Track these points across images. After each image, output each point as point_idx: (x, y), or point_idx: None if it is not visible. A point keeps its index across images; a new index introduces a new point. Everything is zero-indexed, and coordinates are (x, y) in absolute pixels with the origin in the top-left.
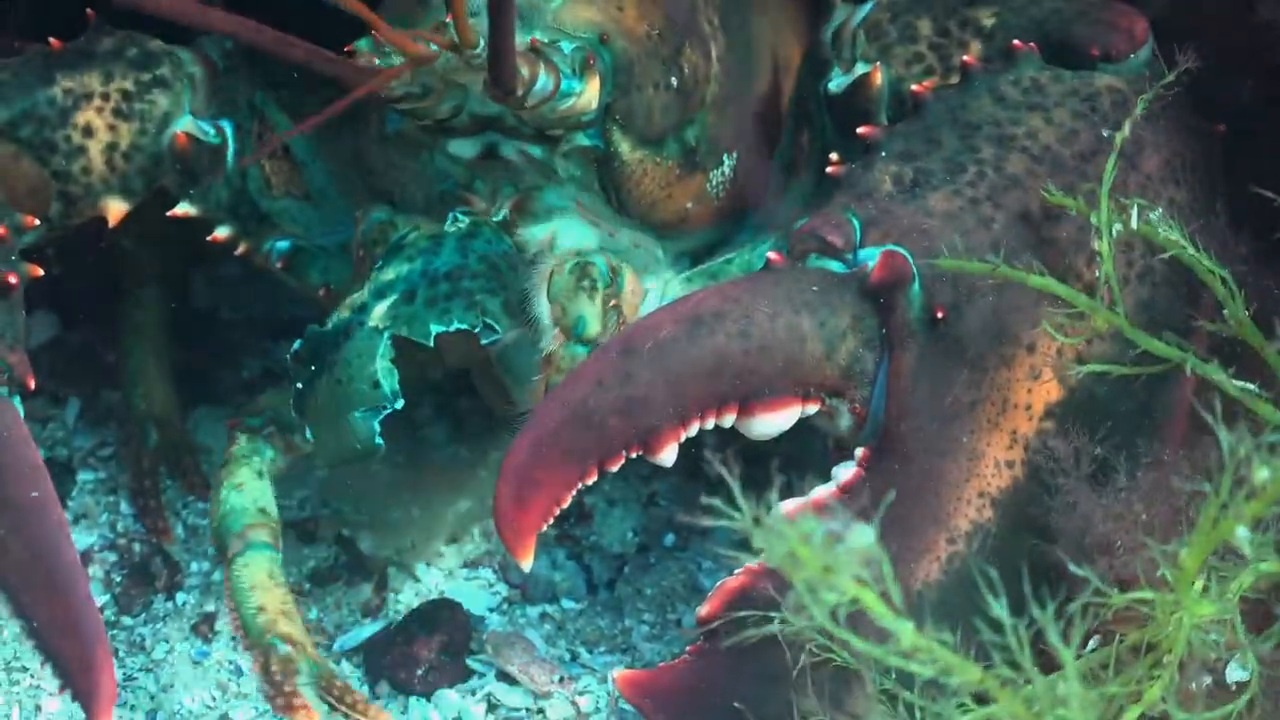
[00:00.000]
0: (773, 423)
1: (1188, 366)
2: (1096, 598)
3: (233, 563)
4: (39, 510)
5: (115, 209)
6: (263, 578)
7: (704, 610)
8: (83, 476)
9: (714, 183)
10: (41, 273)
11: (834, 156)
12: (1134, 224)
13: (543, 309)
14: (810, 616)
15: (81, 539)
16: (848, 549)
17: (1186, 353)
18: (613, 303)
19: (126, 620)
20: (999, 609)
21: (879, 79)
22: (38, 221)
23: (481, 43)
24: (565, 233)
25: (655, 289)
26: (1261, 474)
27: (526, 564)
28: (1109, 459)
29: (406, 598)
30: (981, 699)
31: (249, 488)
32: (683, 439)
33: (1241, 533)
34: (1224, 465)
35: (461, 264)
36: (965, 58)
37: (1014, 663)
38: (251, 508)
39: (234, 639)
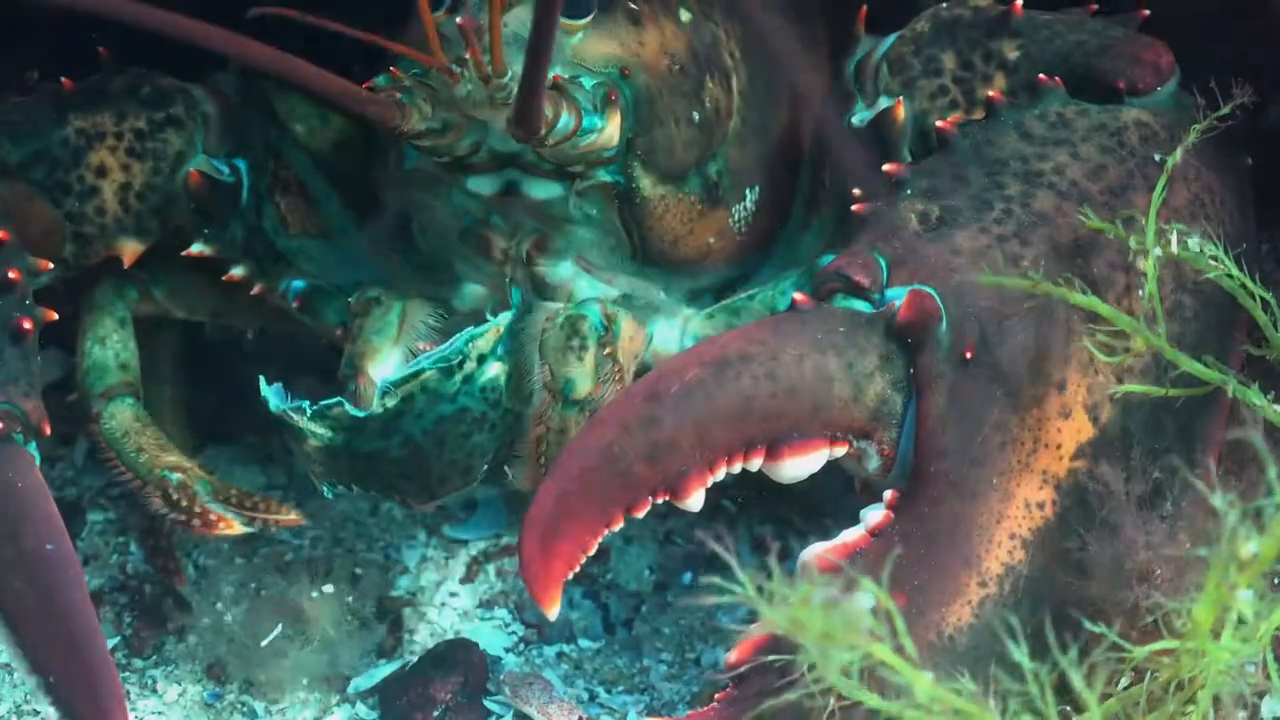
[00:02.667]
0: (801, 466)
1: (1229, 389)
2: (1115, 652)
3: (99, 418)
4: (55, 564)
5: (130, 249)
6: (131, 423)
7: (731, 657)
8: (92, 517)
9: (736, 218)
10: (56, 316)
11: (858, 192)
12: (1174, 248)
13: (534, 366)
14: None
15: (92, 580)
16: (844, 615)
17: (1227, 377)
18: (608, 351)
19: (138, 662)
20: (1019, 654)
21: (902, 113)
22: (52, 264)
23: (509, 74)
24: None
25: (675, 327)
26: (1248, 547)
27: (553, 613)
28: (1149, 491)
29: (422, 638)
30: None
31: (111, 341)
32: (710, 483)
33: (1244, 595)
34: (1220, 534)
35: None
36: (990, 92)
37: (1036, 711)
38: (113, 365)
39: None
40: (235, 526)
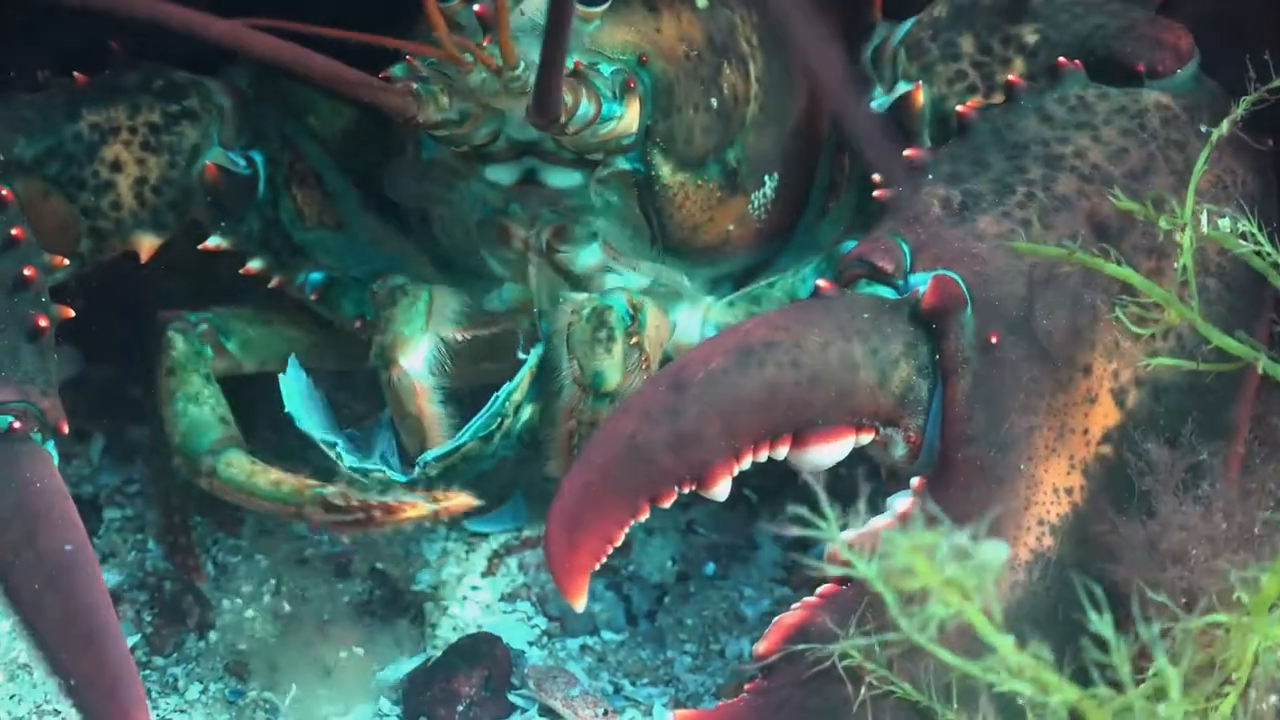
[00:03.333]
0: (827, 453)
1: (1260, 365)
2: (1171, 621)
3: (216, 474)
4: (74, 565)
5: (146, 244)
6: (250, 466)
7: (761, 647)
8: (109, 514)
9: (755, 204)
10: (72, 314)
11: (878, 178)
12: (1205, 228)
13: (561, 360)
14: (874, 652)
15: (110, 578)
16: (980, 564)
17: (1258, 353)
18: (634, 340)
19: (159, 660)
20: (1101, 625)
21: (921, 98)
22: (67, 260)
23: (522, 64)
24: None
25: (696, 315)
26: None
27: (580, 604)
28: (1185, 473)
29: (444, 632)
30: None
31: (205, 398)
32: (736, 472)
33: None
34: None
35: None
36: (1010, 76)
37: (1115, 683)
38: (213, 420)
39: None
40: (422, 506)
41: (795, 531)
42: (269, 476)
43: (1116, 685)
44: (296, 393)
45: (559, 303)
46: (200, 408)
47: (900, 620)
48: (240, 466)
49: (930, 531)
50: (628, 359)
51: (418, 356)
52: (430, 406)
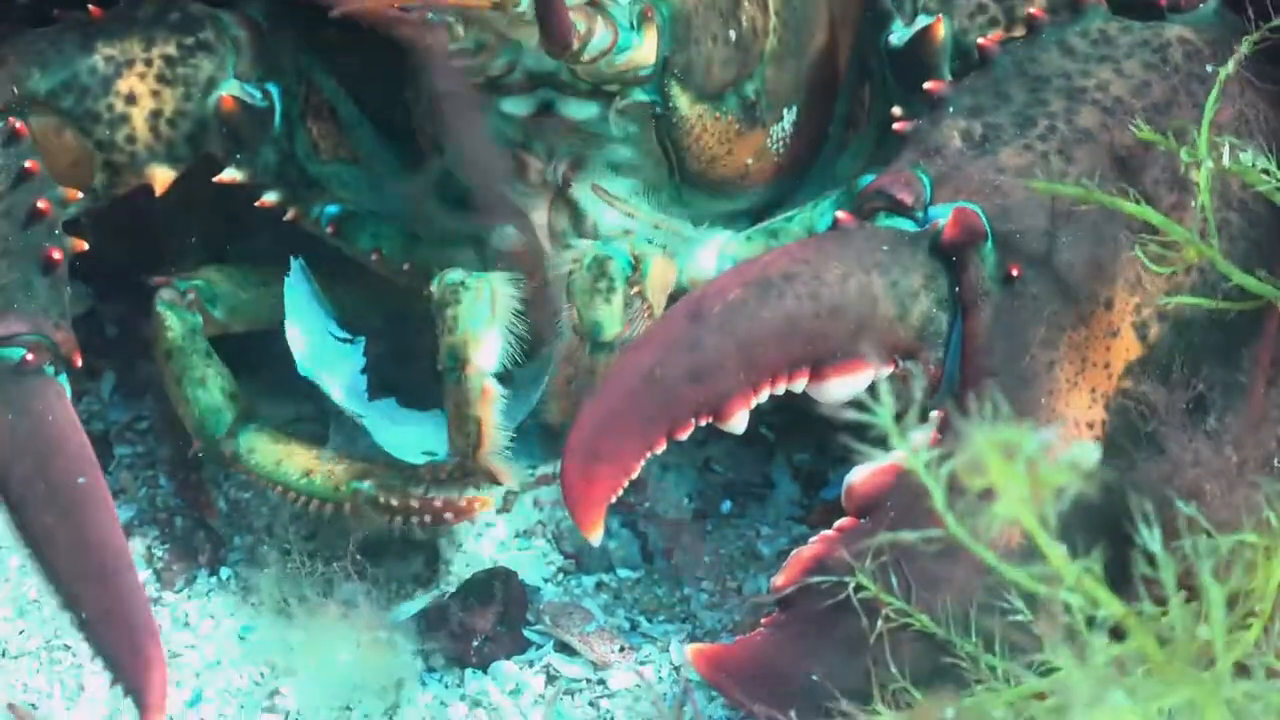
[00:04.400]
0: (846, 386)
1: None
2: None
3: (239, 458)
4: (87, 498)
5: (162, 176)
6: (275, 448)
7: (778, 580)
8: (120, 451)
9: (774, 138)
10: (86, 246)
11: (897, 111)
12: (1226, 161)
13: (561, 306)
14: (891, 585)
15: (121, 514)
16: (1073, 464)
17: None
18: (635, 290)
19: (169, 595)
20: (1150, 540)
21: (941, 31)
22: (81, 194)
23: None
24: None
25: (712, 250)
26: None
27: (596, 537)
28: (1194, 407)
29: (458, 569)
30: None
31: (210, 378)
32: (753, 405)
33: None
34: None
35: None
36: (1031, 9)
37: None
38: (223, 401)
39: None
40: (489, 501)
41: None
42: (296, 462)
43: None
44: (315, 349)
45: (563, 249)
46: (208, 392)
47: (947, 517)
48: (265, 452)
49: (1011, 429)
50: (628, 309)
51: (490, 352)
52: (493, 413)
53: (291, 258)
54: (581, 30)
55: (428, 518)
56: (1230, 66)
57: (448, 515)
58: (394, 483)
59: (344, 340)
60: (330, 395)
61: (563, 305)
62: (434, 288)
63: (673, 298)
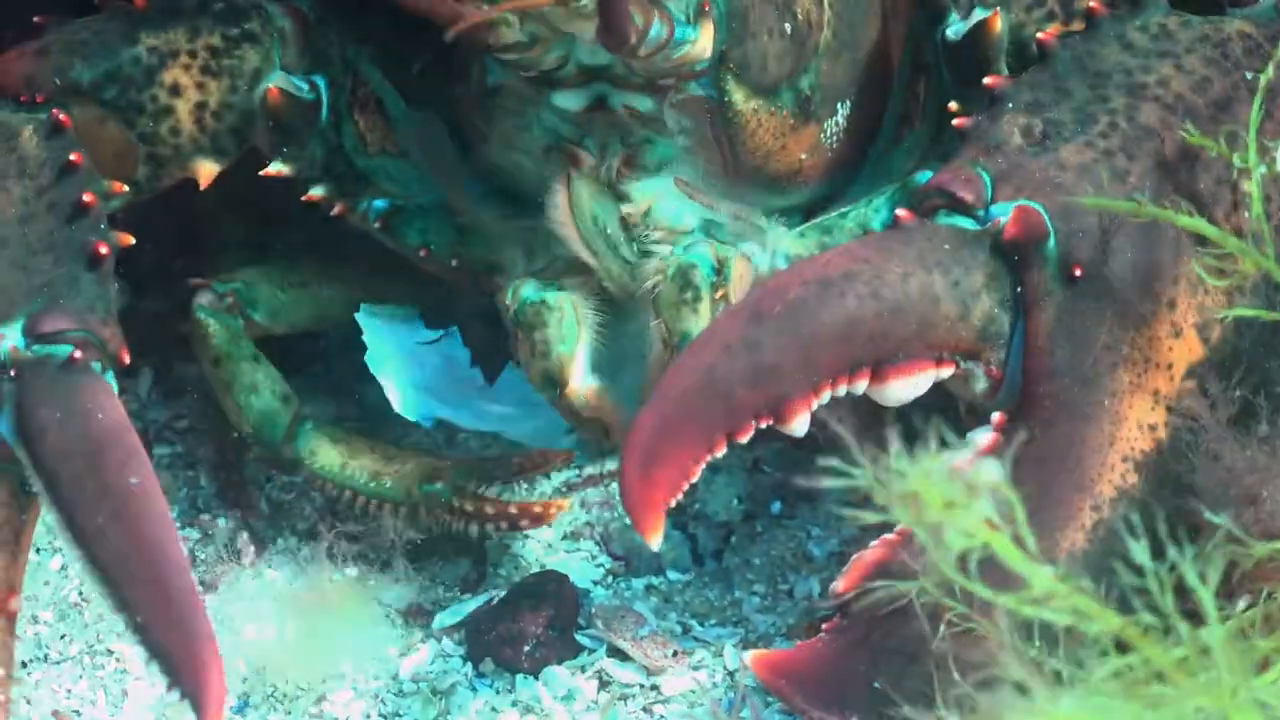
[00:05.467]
0: (907, 387)
1: None
2: (1237, 546)
3: (305, 465)
4: (140, 498)
5: (206, 170)
6: (336, 452)
7: (840, 585)
8: (159, 450)
9: (828, 133)
10: (132, 241)
11: (955, 107)
12: (1279, 166)
13: (649, 319)
14: (940, 575)
15: None
16: (972, 481)
17: None
18: (720, 295)
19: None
20: (1140, 553)
21: (999, 25)
22: (125, 187)
23: None
24: (663, 206)
25: (764, 248)
26: None
27: (656, 542)
28: (1255, 412)
29: (506, 571)
30: (1122, 647)
31: (261, 383)
32: (814, 407)
33: None
34: None
35: None
36: (1090, 3)
37: (1156, 609)
38: (277, 404)
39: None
40: (565, 503)
41: (826, 483)
42: (363, 464)
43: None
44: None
45: (642, 259)
46: (261, 396)
47: (934, 554)
48: (328, 455)
49: (932, 459)
50: (715, 314)
51: (583, 369)
52: (609, 403)
53: (355, 315)
54: (639, 24)
55: (504, 523)
56: (1270, 71)
57: (523, 522)
58: (465, 482)
59: (436, 339)
60: (463, 426)
61: (649, 319)
62: (509, 301)
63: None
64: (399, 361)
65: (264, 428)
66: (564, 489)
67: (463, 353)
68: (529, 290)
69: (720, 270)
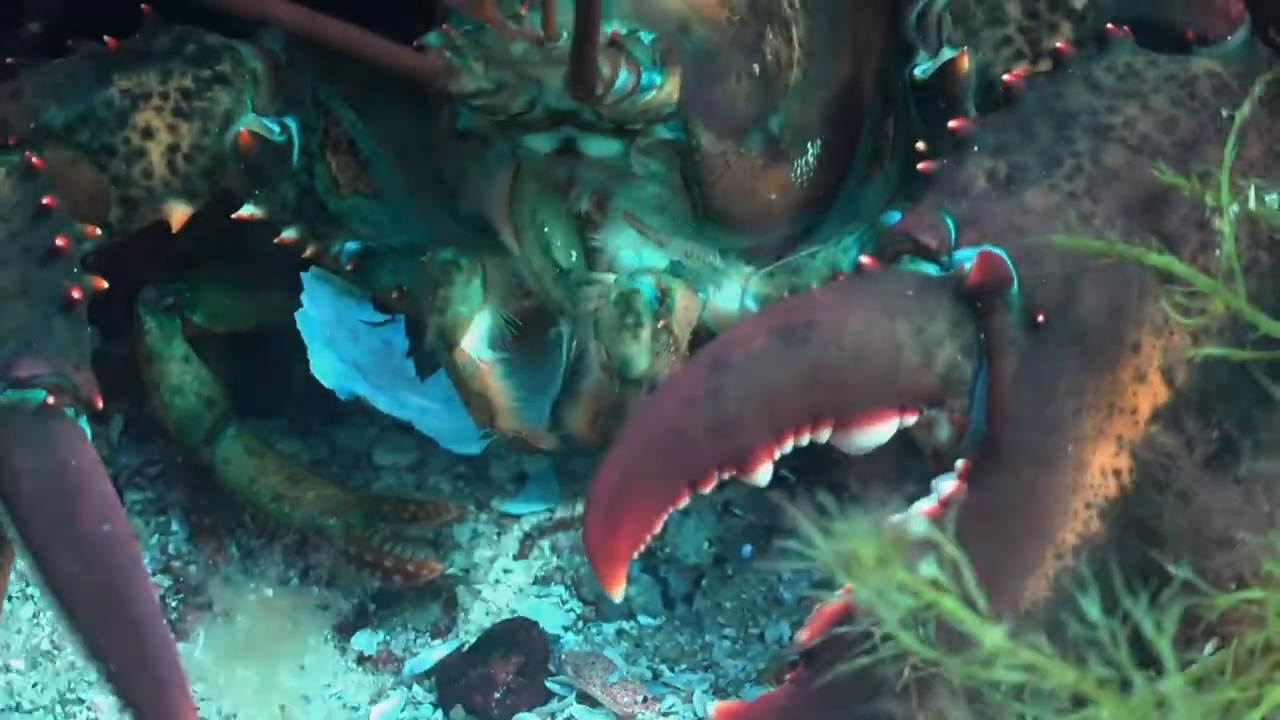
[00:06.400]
0: (870, 436)
1: None
2: (1200, 597)
3: (215, 469)
4: (114, 547)
5: (178, 213)
6: (250, 462)
7: (803, 635)
8: (130, 496)
9: (798, 173)
10: (105, 285)
11: (922, 147)
12: (1252, 204)
13: (589, 344)
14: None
15: None
16: (902, 536)
17: None
18: (662, 324)
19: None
20: (1092, 609)
21: (966, 65)
22: (98, 230)
23: (564, 34)
24: (624, 249)
25: (735, 286)
26: None
27: (619, 594)
28: (1223, 453)
29: (477, 617)
30: (1080, 701)
31: (188, 385)
32: (778, 456)
33: None
34: None
35: None
36: (1058, 43)
37: (1112, 662)
38: (200, 407)
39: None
40: (436, 566)
41: (789, 566)
42: (269, 483)
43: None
44: (348, 359)
45: (585, 284)
46: (185, 397)
47: (881, 613)
48: (240, 465)
49: (864, 517)
50: (655, 342)
51: (478, 334)
52: (495, 382)
53: (302, 273)
54: (606, 74)
55: (378, 573)
56: (1245, 109)
57: (396, 576)
58: (359, 522)
59: (381, 323)
60: (377, 407)
61: (589, 342)
62: (426, 260)
63: (695, 333)
64: (335, 333)
65: (184, 428)
66: (535, 533)
67: (402, 341)
68: (446, 252)
69: (664, 299)
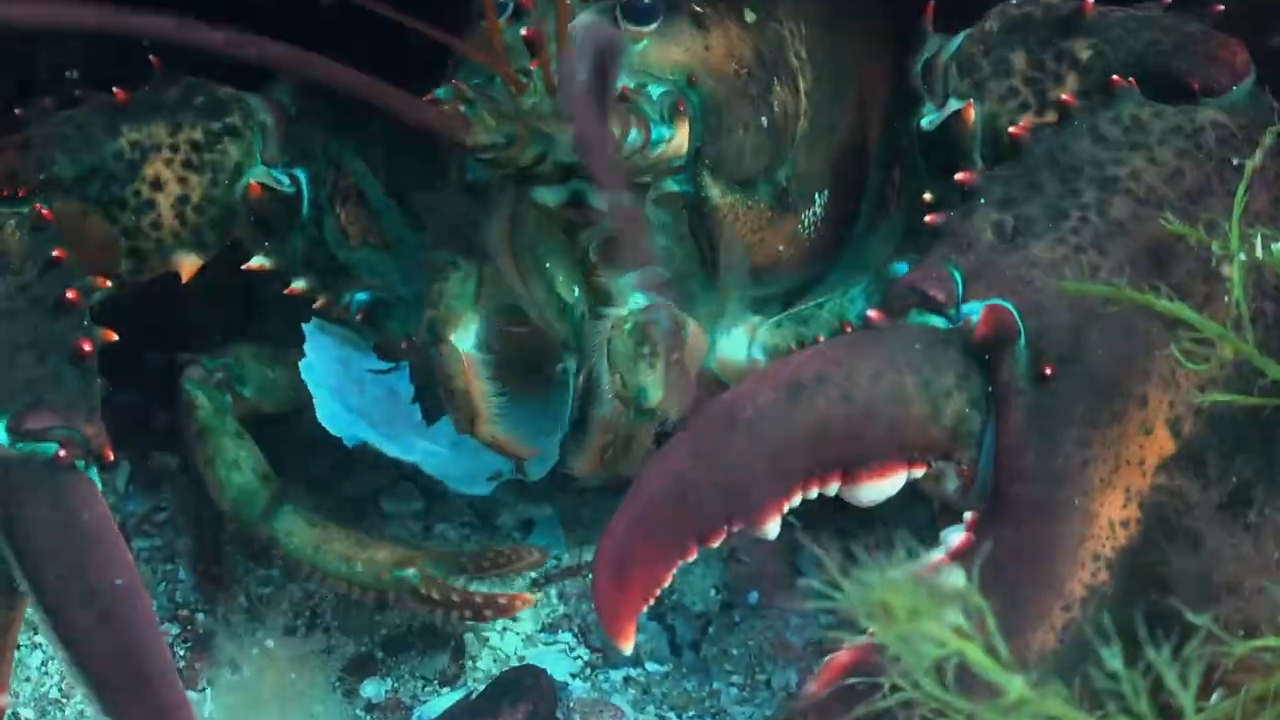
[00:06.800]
0: (878, 489)
1: None
2: (1217, 645)
3: (276, 543)
4: (125, 599)
5: (188, 264)
6: (312, 532)
7: (811, 688)
8: (138, 544)
9: (805, 224)
10: (115, 337)
11: (929, 197)
12: (1259, 253)
13: (603, 374)
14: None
15: None
16: (935, 589)
17: None
18: (675, 358)
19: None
20: (1108, 660)
21: (972, 116)
22: (108, 281)
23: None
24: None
25: (742, 335)
26: None
27: (627, 647)
28: (1232, 501)
29: (485, 664)
30: None
31: (243, 460)
32: (786, 510)
33: None
34: None
35: None
36: (1063, 94)
37: (1131, 712)
38: (257, 483)
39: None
40: (531, 599)
41: (812, 605)
42: (335, 548)
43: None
44: (354, 408)
45: (597, 316)
46: (242, 473)
47: (907, 658)
48: (303, 536)
49: (897, 567)
50: (669, 375)
51: (468, 332)
52: (479, 382)
53: (304, 325)
54: (616, 131)
55: (468, 612)
56: (1258, 158)
57: (487, 611)
58: (436, 572)
59: (386, 370)
60: (385, 452)
61: (603, 372)
62: (429, 257)
63: (705, 384)
64: (341, 382)
65: (242, 505)
66: (541, 580)
67: (408, 388)
68: (447, 254)
69: (678, 332)
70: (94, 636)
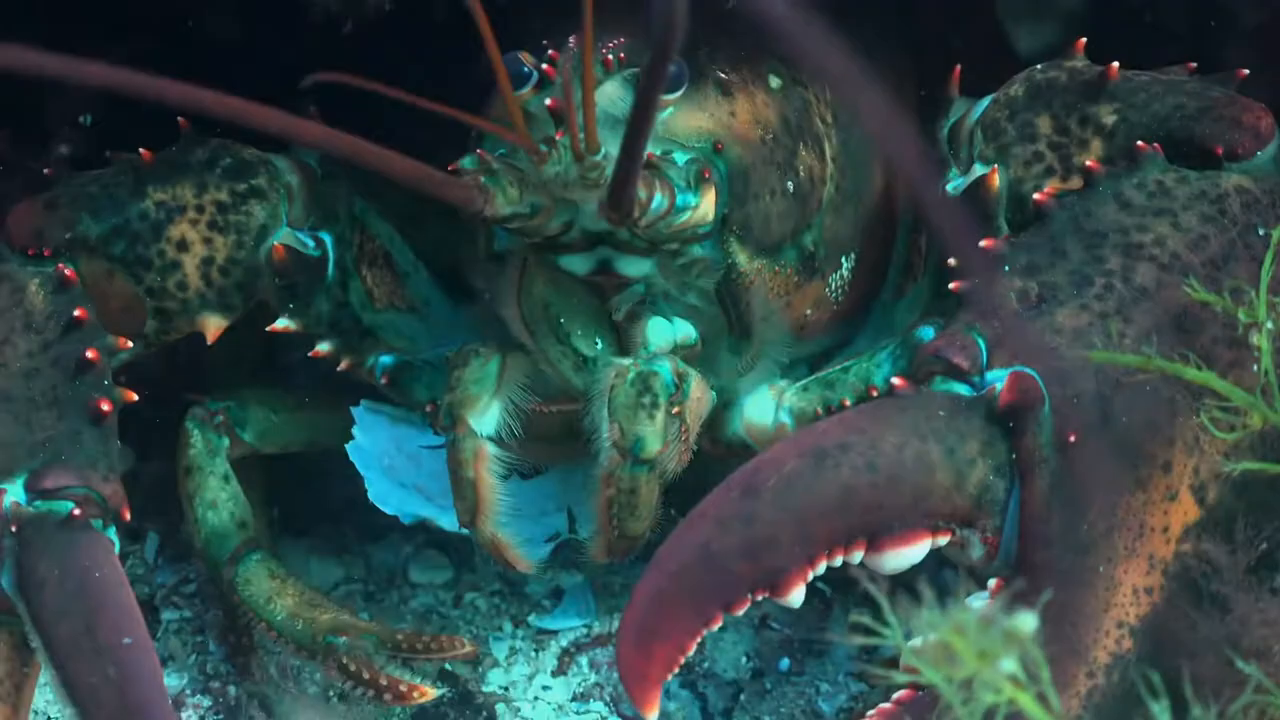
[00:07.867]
0: (904, 557)
1: None
2: (1260, 695)
3: (235, 588)
4: (134, 659)
5: (213, 325)
6: (269, 582)
7: None
8: (167, 616)
9: (833, 287)
10: (135, 397)
11: (953, 263)
12: None
13: (602, 423)
14: None
15: (171, 682)
16: (1007, 632)
17: None
18: (676, 410)
19: None
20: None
21: (997, 182)
22: (131, 342)
23: (602, 151)
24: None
25: (769, 399)
26: None
27: (652, 715)
28: (1259, 567)
29: None
30: None
31: (222, 502)
32: (810, 578)
33: None
34: None
35: None
36: (1088, 161)
37: None
38: (231, 527)
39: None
40: (430, 692)
41: (860, 640)
42: (284, 603)
43: None
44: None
45: (605, 366)
46: (218, 514)
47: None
48: (259, 586)
49: (963, 610)
50: (669, 427)
51: (486, 418)
52: (488, 476)
53: (354, 409)
54: (642, 198)
55: (372, 692)
56: None
57: (387, 695)
58: (366, 645)
59: (441, 445)
60: (445, 528)
61: (602, 421)
62: (450, 354)
63: (729, 447)
64: (394, 461)
65: (212, 545)
66: (573, 649)
67: None
68: (472, 344)
69: (680, 385)
70: (100, 695)
